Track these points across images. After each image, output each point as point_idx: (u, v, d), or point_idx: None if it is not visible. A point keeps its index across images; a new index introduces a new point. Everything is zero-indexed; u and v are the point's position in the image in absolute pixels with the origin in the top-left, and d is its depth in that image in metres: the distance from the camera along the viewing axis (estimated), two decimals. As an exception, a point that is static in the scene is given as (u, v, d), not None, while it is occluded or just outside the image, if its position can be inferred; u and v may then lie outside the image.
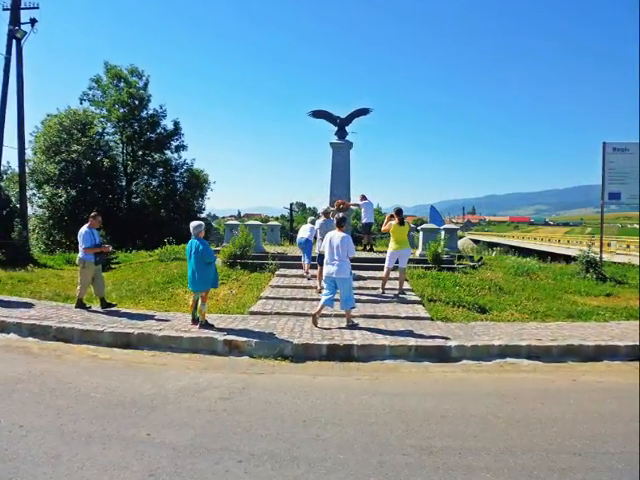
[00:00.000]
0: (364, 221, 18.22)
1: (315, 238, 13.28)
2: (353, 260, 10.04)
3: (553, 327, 9.88)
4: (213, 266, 9.35)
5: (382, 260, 12.85)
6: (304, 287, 12.74)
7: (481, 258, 16.99)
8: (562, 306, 11.52)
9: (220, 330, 8.98)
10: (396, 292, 12.02)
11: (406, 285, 12.51)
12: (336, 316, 10.15)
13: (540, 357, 8.34)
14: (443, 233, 16.79)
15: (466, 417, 5.67)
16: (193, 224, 9.32)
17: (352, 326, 9.50)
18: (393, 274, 12.54)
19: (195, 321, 9.31)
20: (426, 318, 10.34)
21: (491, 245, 54.38)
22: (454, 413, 5.79)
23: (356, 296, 10.42)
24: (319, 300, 10.03)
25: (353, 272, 10.53)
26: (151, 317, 9.97)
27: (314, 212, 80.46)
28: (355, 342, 8.41)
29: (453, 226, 19.64)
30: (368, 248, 17.78)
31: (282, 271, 14.23)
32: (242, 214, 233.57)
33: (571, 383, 7.13)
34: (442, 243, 15.29)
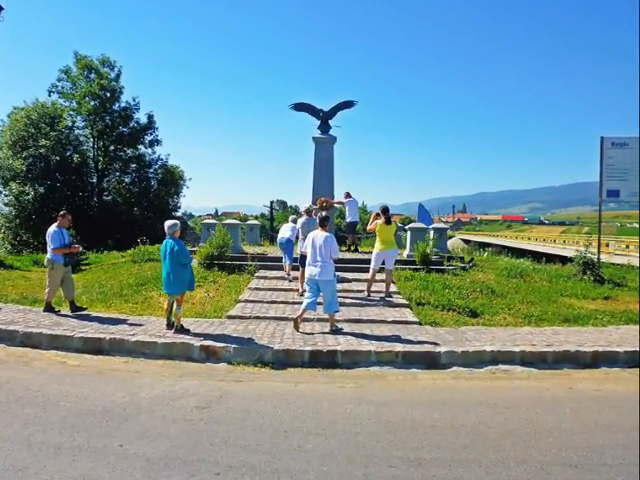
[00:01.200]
0: (348, 220, 18.21)
1: (297, 238, 13.30)
2: (337, 261, 10.05)
3: (548, 332, 9.94)
4: (189, 267, 9.34)
5: (367, 261, 12.88)
6: (285, 290, 12.74)
7: (472, 259, 17.05)
8: (558, 310, 11.58)
9: (196, 335, 8.97)
10: (382, 295, 12.05)
11: (393, 288, 12.55)
12: (319, 320, 10.18)
13: (534, 364, 8.38)
14: (432, 233, 16.81)
15: (456, 427, 5.69)
16: (168, 223, 9.31)
17: (336, 331, 9.53)
18: (379, 276, 12.59)
19: (170, 326, 9.30)
20: (414, 322, 10.39)
21: (483, 245, 54.65)
22: (443, 423, 5.81)
23: (340, 299, 10.46)
24: (301, 303, 10.06)
25: (337, 274, 10.56)
26: (123, 321, 9.93)
27: (296, 210, 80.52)
28: (339, 348, 8.44)
29: (442, 225, 19.73)
30: (353, 248, 17.80)
31: (262, 273, 14.22)
32: (220, 213, 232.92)
33: (567, 391, 7.16)
34: (431, 243, 15.38)
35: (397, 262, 13.22)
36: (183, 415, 5.88)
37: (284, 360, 8.25)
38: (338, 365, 8.19)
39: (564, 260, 20.21)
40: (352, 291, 12.49)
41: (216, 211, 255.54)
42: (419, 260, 14.68)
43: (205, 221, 19.99)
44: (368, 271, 12.43)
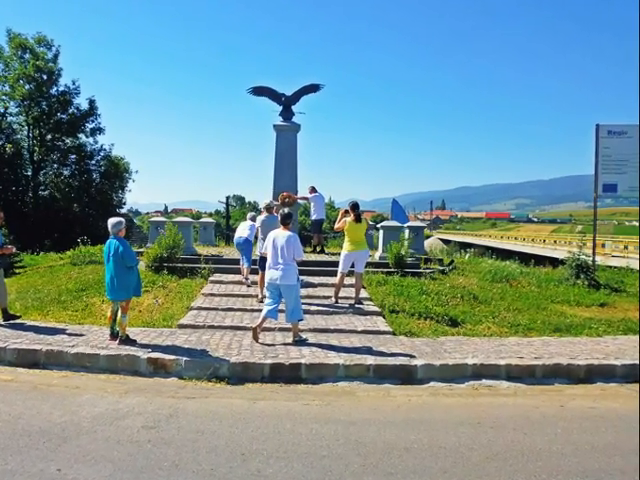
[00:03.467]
0: (314, 218, 18.25)
1: (256, 238, 13.27)
2: (301, 264, 10.10)
3: (537, 343, 10.03)
4: (135, 271, 9.32)
5: (335, 264, 12.93)
6: (243, 295, 12.76)
7: (452, 261, 17.18)
8: (548, 318, 11.67)
9: (143, 346, 8.96)
10: (352, 302, 12.11)
11: (363, 293, 12.64)
12: (281, 330, 10.21)
13: (522, 378, 8.45)
14: (407, 232, 16.88)
15: (434, 449, 5.69)
16: (112, 221, 9.27)
17: (300, 342, 9.57)
18: (348, 280, 12.65)
19: (114, 336, 9.26)
20: (387, 332, 10.47)
21: (464, 246, 55.26)
22: (420, 445, 5.81)
23: (305, 306, 10.52)
24: (260, 311, 10.07)
25: (301, 278, 10.61)
26: (62, 331, 9.85)
27: (254, 207, 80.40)
28: (303, 361, 8.48)
29: (419, 224, 19.92)
30: (319, 249, 17.84)
31: (217, 276, 14.22)
32: (169, 209, 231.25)
33: (558, 409, 7.20)
34: (406, 244, 15.41)
35: (368, 265, 13.33)
36: (129, 436, 5.87)
37: (241, 374, 8.27)
38: (302, 380, 8.22)
39: (555, 262, 20.45)
40: (318, 297, 12.54)
41: (165, 208, 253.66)
42: (393, 262, 14.75)
43: (153, 219, 19.89)
44: (336, 275, 12.44)
